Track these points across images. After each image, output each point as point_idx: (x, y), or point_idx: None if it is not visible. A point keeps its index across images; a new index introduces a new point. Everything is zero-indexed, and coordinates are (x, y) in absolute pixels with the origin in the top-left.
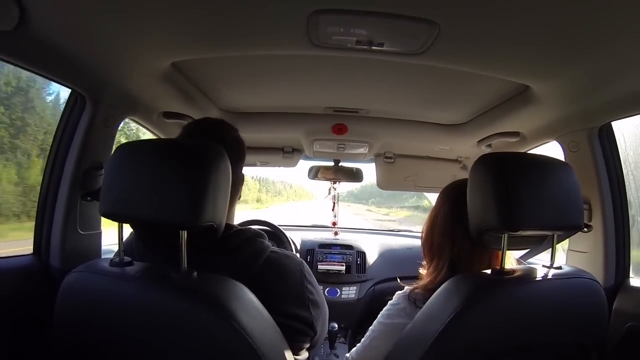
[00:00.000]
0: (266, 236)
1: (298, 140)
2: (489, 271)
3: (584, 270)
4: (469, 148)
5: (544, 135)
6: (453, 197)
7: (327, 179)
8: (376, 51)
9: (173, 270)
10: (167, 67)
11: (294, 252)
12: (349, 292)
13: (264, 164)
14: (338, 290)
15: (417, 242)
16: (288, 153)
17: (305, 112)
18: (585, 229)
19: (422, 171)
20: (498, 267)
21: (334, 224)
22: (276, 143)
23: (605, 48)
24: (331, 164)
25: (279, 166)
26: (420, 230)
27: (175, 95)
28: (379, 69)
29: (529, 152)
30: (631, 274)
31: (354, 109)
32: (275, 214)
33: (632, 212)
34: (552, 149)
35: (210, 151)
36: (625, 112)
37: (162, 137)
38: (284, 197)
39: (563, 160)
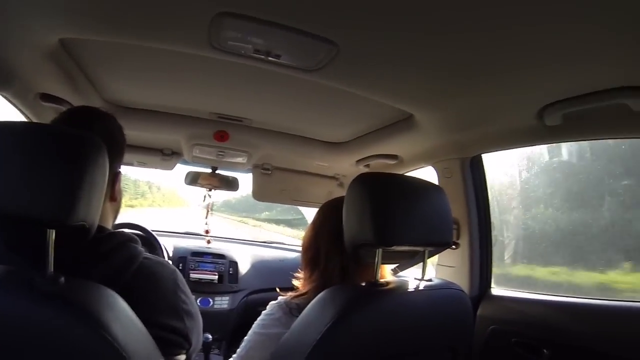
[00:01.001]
0: (139, 241)
1: (178, 143)
2: (364, 283)
3: (451, 282)
4: (348, 166)
5: (421, 160)
6: (335, 213)
7: (203, 186)
8: (272, 62)
9: (37, 275)
10: (53, 44)
11: (166, 259)
12: (222, 302)
13: (142, 164)
14: (211, 300)
15: (290, 255)
16: (167, 155)
17: (190, 115)
18: (453, 246)
19: (298, 185)
20: (373, 280)
21: (207, 232)
22: (156, 144)
23: (485, 87)
24: (208, 170)
25: (157, 168)
26: (292, 243)
27: (57, 77)
28: (270, 81)
29: (405, 174)
30: (493, 285)
31: (239, 117)
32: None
33: (494, 232)
34: (427, 173)
35: (88, 142)
36: (496, 146)
37: (35, 121)
38: (148, 200)
39: (437, 183)
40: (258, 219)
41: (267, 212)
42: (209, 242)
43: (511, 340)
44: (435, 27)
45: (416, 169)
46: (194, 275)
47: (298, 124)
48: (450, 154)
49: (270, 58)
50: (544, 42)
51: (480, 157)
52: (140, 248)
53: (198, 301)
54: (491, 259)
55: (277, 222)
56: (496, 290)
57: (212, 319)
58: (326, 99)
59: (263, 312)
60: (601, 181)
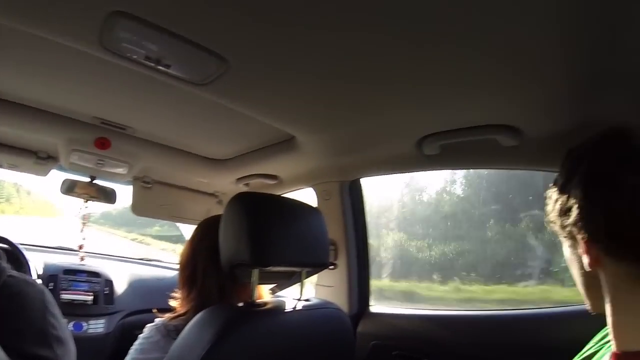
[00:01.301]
0: (3, 256)
1: (55, 147)
2: (242, 303)
3: (329, 301)
4: (228, 184)
5: (300, 181)
6: (214, 231)
7: (80, 196)
8: (161, 72)
9: None
10: None
11: (35, 277)
12: (97, 326)
13: (12, 166)
14: (84, 324)
15: (168, 273)
16: (42, 159)
17: (72, 117)
18: (331, 267)
19: (178, 201)
20: (250, 300)
21: (81, 247)
22: (31, 145)
23: (367, 115)
24: (86, 179)
25: (29, 172)
26: (170, 261)
27: None
28: (157, 90)
29: (283, 195)
30: (372, 302)
31: (122, 125)
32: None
33: (372, 253)
34: (306, 194)
35: None
36: (375, 171)
37: None
38: (14, 206)
39: (315, 205)
40: (145, 234)
41: (158, 227)
42: (82, 258)
43: (392, 354)
44: (321, 54)
45: (295, 190)
46: (65, 296)
47: (182, 137)
48: (329, 176)
49: (160, 67)
50: (424, 79)
51: (359, 181)
52: (5, 264)
53: (70, 325)
54: (369, 279)
55: (165, 238)
56: (375, 307)
57: (86, 345)
58: (211, 115)
59: (140, 335)
60: (473, 206)
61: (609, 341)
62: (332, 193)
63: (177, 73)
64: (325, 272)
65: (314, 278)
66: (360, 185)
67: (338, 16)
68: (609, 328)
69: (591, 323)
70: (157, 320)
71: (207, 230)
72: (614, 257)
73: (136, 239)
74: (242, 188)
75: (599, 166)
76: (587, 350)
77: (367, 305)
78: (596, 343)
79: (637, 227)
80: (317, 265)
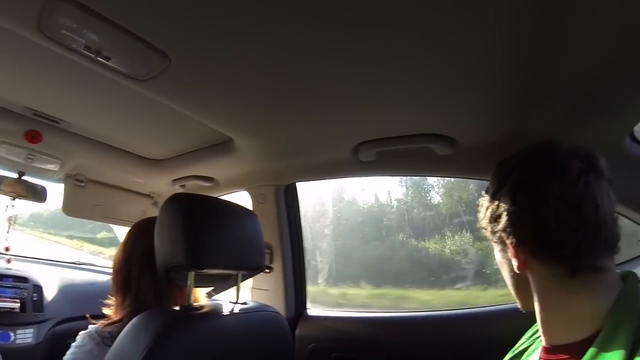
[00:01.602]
0: None
1: None
2: (178, 307)
3: (267, 304)
4: (163, 185)
5: (236, 184)
6: (148, 234)
7: (7, 193)
8: (100, 64)
9: None
10: None
11: None
12: (26, 336)
13: None
14: (12, 334)
15: (101, 277)
16: None
17: (1, 105)
18: (267, 270)
19: (112, 201)
20: (186, 303)
21: (7, 249)
22: None
23: (304, 120)
24: (14, 175)
25: None
26: (105, 265)
27: None
28: (95, 83)
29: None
30: (308, 306)
31: (56, 118)
32: None
33: (308, 257)
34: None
35: None
36: (311, 176)
37: None
38: None
39: (250, 208)
40: (81, 238)
41: (105, 232)
42: (9, 261)
43: (331, 356)
44: (260, 57)
45: (231, 193)
46: None
47: (118, 135)
48: (265, 180)
49: (99, 58)
50: (362, 86)
51: (295, 185)
52: None
53: None
54: (305, 282)
55: (95, 241)
56: (312, 310)
57: (14, 357)
58: (149, 113)
59: (73, 344)
60: (406, 212)
61: (539, 336)
62: (268, 197)
63: (117, 66)
64: (261, 276)
65: (249, 282)
66: (295, 189)
67: (277, 18)
68: (538, 324)
69: (522, 320)
70: (90, 327)
71: (142, 233)
72: (541, 260)
73: (82, 246)
74: (178, 189)
75: (528, 177)
76: (519, 346)
77: (304, 308)
78: (528, 338)
79: (562, 232)
80: (253, 268)
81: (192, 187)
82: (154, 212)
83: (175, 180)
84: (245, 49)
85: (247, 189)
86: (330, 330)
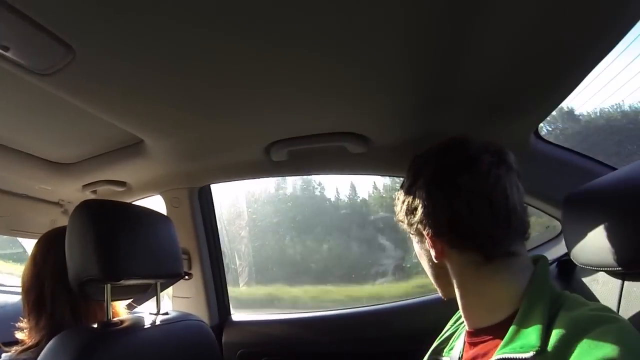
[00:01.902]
0: None
1: None
2: (96, 324)
3: (189, 313)
4: (73, 192)
5: (150, 188)
6: (59, 245)
7: None
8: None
9: None
10: None
11: None
12: None
13: None
14: None
15: (11, 298)
16: None
17: None
18: (186, 277)
19: (17, 211)
20: (105, 319)
21: None
22: None
23: (215, 120)
24: None
25: None
26: (14, 284)
27: None
28: None
29: (133, 202)
30: (233, 311)
31: None
32: None
33: (226, 260)
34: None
35: None
36: (225, 178)
37: None
38: None
39: (165, 213)
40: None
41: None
42: None
43: None
44: (168, 53)
45: (145, 197)
46: None
47: (19, 136)
48: (179, 183)
49: None
50: (273, 85)
51: (209, 187)
52: None
53: None
54: (226, 287)
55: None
56: (237, 315)
57: None
58: (54, 111)
59: None
60: (323, 210)
61: (463, 322)
62: (182, 200)
63: (17, 58)
64: (181, 283)
65: (170, 290)
66: (210, 191)
67: (187, 14)
68: (460, 310)
69: (446, 308)
70: (3, 356)
71: (52, 244)
72: (457, 248)
73: None
74: (89, 195)
75: (441, 170)
76: (446, 332)
77: (228, 314)
78: (452, 325)
79: (475, 222)
80: (172, 275)
81: (104, 192)
82: (64, 221)
83: (85, 185)
84: (155, 46)
85: (161, 193)
86: (257, 334)
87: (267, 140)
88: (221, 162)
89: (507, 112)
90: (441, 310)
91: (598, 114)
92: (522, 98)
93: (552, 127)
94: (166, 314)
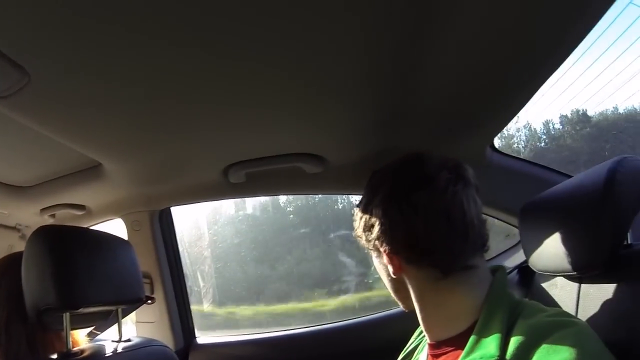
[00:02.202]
0: None
1: None
2: (55, 355)
3: (153, 339)
4: (31, 215)
5: (110, 212)
6: (15, 272)
7: None
8: None
9: None
10: None
11: None
12: None
13: None
14: None
15: None
16: None
17: None
18: (149, 301)
19: None
20: (64, 350)
21: None
22: None
23: (173, 143)
24: None
25: None
26: None
27: None
28: None
29: (92, 227)
30: (197, 334)
31: None
32: None
33: (189, 283)
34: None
35: None
36: (184, 200)
37: None
38: None
39: (125, 237)
40: None
41: None
42: None
43: None
44: (125, 75)
45: (105, 221)
46: None
47: None
48: (139, 206)
49: None
50: (230, 107)
51: (170, 210)
52: None
53: None
54: (190, 310)
55: None
56: (202, 339)
57: None
58: (10, 133)
59: None
60: (283, 230)
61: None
62: (142, 223)
63: None
64: (144, 308)
65: (133, 315)
66: (170, 214)
67: (145, 33)
68: (420, 323)
69: (411, 320)
70: None
71: (7, 270)
72: (415, 264)
73: None
74: (47, 220)
75: (398, 187)
76: (410, 345)
77: (193, 337)
78: (416, 337)
79: (432, 239)
80: (133, 301)
81: (63, 216)
82: (22, 246)
83: (43, 209)
84: (111, 69)
85: (121, 216)
86: (223, 356)
87: (225, 163)
88: (181, 185)
89: (463, 127)
90: (406, 323)
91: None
92: (477, 113)
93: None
94: (129, 340)
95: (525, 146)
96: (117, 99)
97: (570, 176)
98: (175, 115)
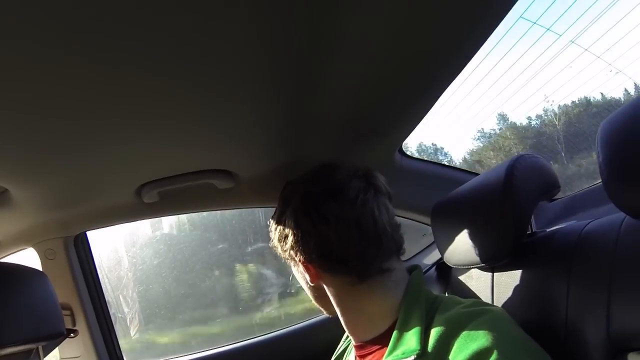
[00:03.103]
0: None
1: None
2: None
3: None
4: None
5: (20, 241)
6: None
7: None
8: None
9: None
10: None
11: None
12: None
13: None
14: None
15: None
16: None
17: None
18: (71, 335)
19: None
20: None
21: None
22: None
23: (83, 164)
24: None
25: None
26: None
27: None
28: None
29: (1, 259)
30: None
31: None
32: None
33: (112, 310)
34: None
35: None
36: (99, 224)
37: None
38: None
39: (39, 267)
40: None
41: None
42: None
43: None
44: (21, 92)
45: (16, 252)
46: None
47: None
48: (52, 233)
49: None
50: (134, 124)
51: (85, 235)
52: None
53: None
54: (116, 338)
55: None
56: None
57: None
58: None
59: None
60: (201, 247)
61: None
62: (57, 251)
63: None
64: (67, 342)
65: (57, 352)
66: (86, 239)
67: (37, 45)
68: (344, 327)
69: (339, 325)
70: None
71: None
72: (330, 272)
73: None
74: None
75: (308, 198)
76: (340, 348)
77: None
78: (345, 340)
79: (344, 247)
80: (54, 336)
81: None
82: None
83: None
84: (4, 87)
85: (33, 245)
86: None
87: (138, 182)
88: (94, 208)
89: (371, 135)
90: (334, 328)
91: None
92: (381, 121)
93: None
94: None
95: None
96: (15, 120)
97: (477, 174)
98: (79, 139)
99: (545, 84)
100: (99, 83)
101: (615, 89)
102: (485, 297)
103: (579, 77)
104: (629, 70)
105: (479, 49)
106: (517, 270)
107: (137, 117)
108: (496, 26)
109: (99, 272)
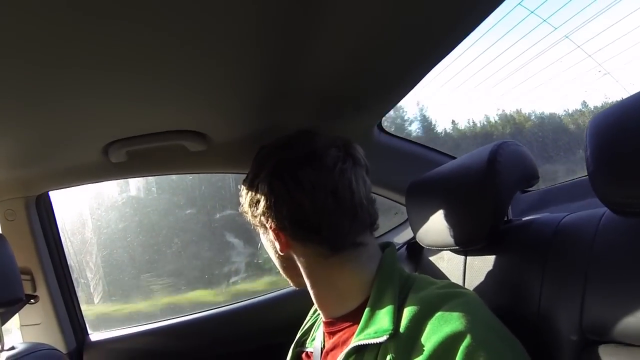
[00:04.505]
0: None
1: None
2: None
3: (41, 343)
4: None
5: None
6: None
7: None
8: None
9: None
10: None
11: None
12: None
13: None
14: None
15: None
16: None
17: None
18: (32, 300)
19: None
20: None
21: None
22: None
23: (47, 120)
24: None
25: None
26: None
27: None
28: None
29: None
30: (90, 331)
31: None
32: None
33: (75, 275)
34: None
35: None
36: (63, 183)
37: None
38: None
39: None
40: None
41: None
42: None
43: None
44: None
45: None
46: None
47: None
48: (12, 192)
49: None
50: (105, 83)
51: (48, 195)
52: None
53: None
54: (79, 305)
55: None
56: (95, 335)
57: None
58: None
59: None
60: (168, 212)
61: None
62: (17, 212)
63: None
64: (27, 309)
65: (17, 318)
66: (49, 200)
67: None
68: (314, 301)
69: (306, 298)
70: None
71: None
72: (302, 241)
73: None
74: None
75: (284, 163)
76: (307, 323)
77: (85, 335)
78: (312, 315)
79: (319, 216)
80: (12, 302)
81: None
82: None
83: None
84: None
85: None
86: (122, 352)
87: (104, 141)
88: (58, 167)
89: (350, 107)
90: (302, 301)
91: None
92: (365, 93)
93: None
94: (12, 348)
95: None
96: None
97: (454, 157)
98: (44, 84)
99: (532, 75)
100: (66, 27)
101: (598, 90)
102: (457, 279)
103: (568, 73)
104: (618, 73)
105: (470, 32)
106: (490, 256)
107: (106, 67)
108: (490, 12)
109: (61, 235)
